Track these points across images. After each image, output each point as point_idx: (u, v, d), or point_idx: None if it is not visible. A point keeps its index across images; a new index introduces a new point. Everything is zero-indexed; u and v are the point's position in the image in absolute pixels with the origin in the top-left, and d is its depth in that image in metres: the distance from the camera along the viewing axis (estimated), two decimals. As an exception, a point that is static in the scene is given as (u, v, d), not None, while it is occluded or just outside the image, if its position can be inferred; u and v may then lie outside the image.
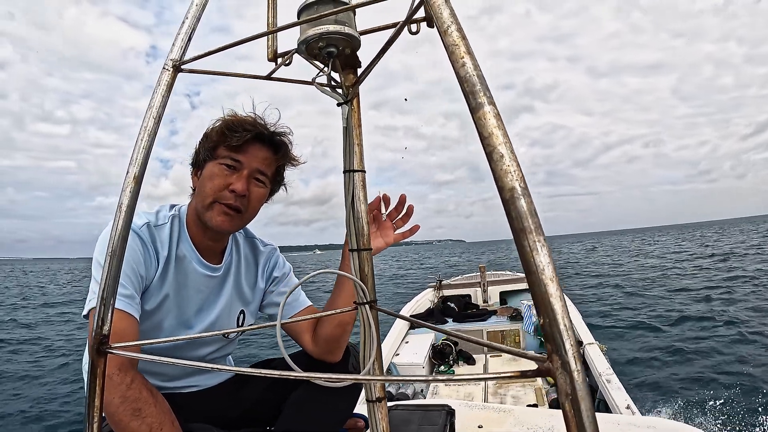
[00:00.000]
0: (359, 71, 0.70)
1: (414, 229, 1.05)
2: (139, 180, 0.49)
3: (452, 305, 4.32)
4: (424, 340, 3.28)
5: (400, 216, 1.05)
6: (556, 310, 0.26)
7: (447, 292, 4.87)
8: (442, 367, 3.15)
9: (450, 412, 1.33)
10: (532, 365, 0.32)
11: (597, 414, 0.26)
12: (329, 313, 0.66)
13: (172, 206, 1.09)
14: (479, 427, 1.48)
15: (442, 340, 3.27)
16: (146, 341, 0.53)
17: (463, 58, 0.34)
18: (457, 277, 5.79)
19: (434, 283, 5.00)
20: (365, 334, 0.68)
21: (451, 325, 3.76)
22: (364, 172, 0.71)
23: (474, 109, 0.32)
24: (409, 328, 3.58)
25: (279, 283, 1.20)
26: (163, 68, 0.53)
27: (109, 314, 0.49)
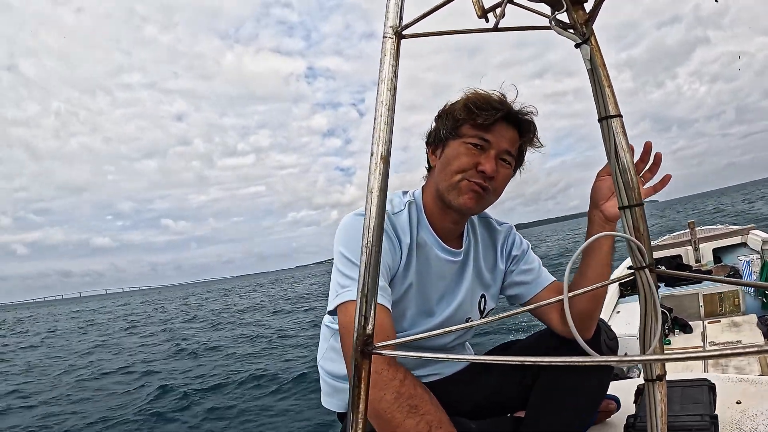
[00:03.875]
0: (587, 8, 0.59)
1: (665, 180, 0.87)
2: (386, 159, 0.43)
3: (662, 268, 3.88)
4: (637, 308, 2.95)
5: (647, 167, 0.89)
6: None
7: (655, 254, 4.40)
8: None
9: (711, 387, 1.13)
10: None
11: None
12: (604, 283, 0.55)
13: (405, 192, 1.07)
14: (737, 402, 1.26)
15: (656, 306, 2.91)
16: (413, 336, 0.48)
17: None
18: (665, 237, 5.19)
19: None
20: (646, 303, 0.58)
21: (662, 290, 3.33)
22: (621, 116, 0.60)
23: None
24: (619, 297, 3.27)
25: (519, 262, 1.13)
26: (384, 38, 0.47)
27: (372, 311, 0.45)
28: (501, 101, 0.95)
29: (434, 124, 1.02)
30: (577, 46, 0.61)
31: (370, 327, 0.45)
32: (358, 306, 0.44)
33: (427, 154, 1.05)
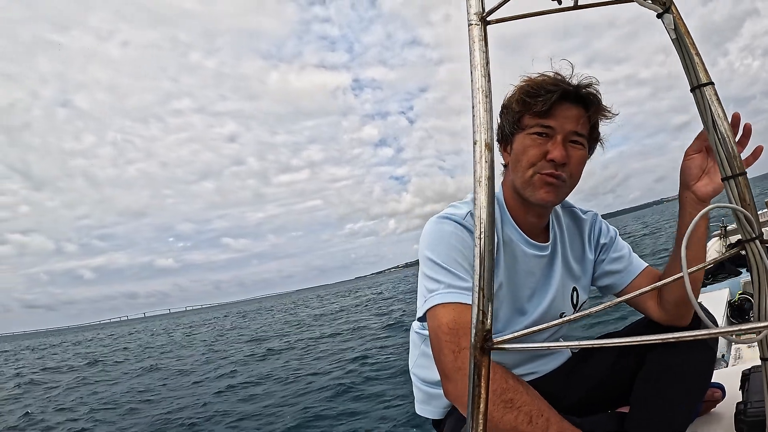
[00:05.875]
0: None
1: (758, 152, 0.79)
2: (491, 146, 0.42)
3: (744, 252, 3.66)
4: (719, 297, 2.77)
5: (737, 140, 0.78)
6: None
7: (734, 238, 4.15)
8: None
9: None
10: None
11: None
12: (717, 259, 0.52)
13: None
14: None
15: (739, 294, 2.72)
16: (527, 330, 0.46)
17: None
18: None
19: (719, 231, 4.29)
20: (758, 278, 0.55)
21: (746, 276, 3.13)
22: (713, 84, 0.58)
23: None
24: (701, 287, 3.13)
25: (608, 250, 1.09)
26: (470, 25, 0.46)
27: (490, 305, 0.43)
28: (555, 82, 0.91)
29: (499, 120, 1.00)
30: (659, 16, 0.59)
31: (489, 321, 0.44)
32: (476, 300, 0.43)
33: (500, 151, 1.03)
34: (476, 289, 0.43)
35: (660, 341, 0.45)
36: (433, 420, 1.09)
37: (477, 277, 0.43)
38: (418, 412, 1.11)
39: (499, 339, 0.44)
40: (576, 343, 0.55)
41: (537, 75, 0.93)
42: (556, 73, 0.92)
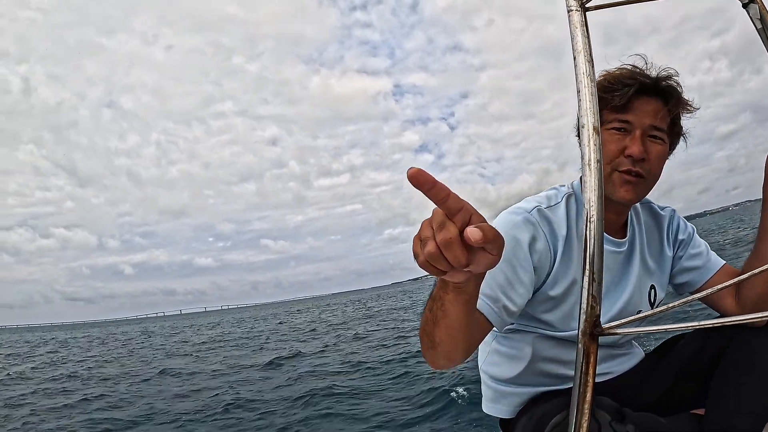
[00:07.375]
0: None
1: None
2: (598, 130, 0.42)
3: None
4: None
5: None
6: None
7: None
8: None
9: None
10: None
11: None
12: None
13: (562, 185, 1.05)
14: None
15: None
16: (636, 316, 0.45)
17: None
18: None
19: None
20: None
21: None
22: None
23: None
24: None
25: (686, 247, 1.07)
26: (569, 11, 0.47)
27: (600, 290, 0.43)
28: (632, 75, 0.89)
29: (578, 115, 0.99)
30: (744, 6, 0.59)
31: (598, 308, 0.43)
32: (586, 285, 0.43)
33: (580, 147, 1.01)
34: (586, 273, 0.42)
35: (750, 320, 0.43)
36: (500, 419, 1.07)
37: (588, 262, 0.42)
38: (486, 410, 1.09)
39: (608, 325, 0.44)
40: (685, 324, 0.53)
41: (615, 69, 0.92)
42: (633, 66, 0.91)
